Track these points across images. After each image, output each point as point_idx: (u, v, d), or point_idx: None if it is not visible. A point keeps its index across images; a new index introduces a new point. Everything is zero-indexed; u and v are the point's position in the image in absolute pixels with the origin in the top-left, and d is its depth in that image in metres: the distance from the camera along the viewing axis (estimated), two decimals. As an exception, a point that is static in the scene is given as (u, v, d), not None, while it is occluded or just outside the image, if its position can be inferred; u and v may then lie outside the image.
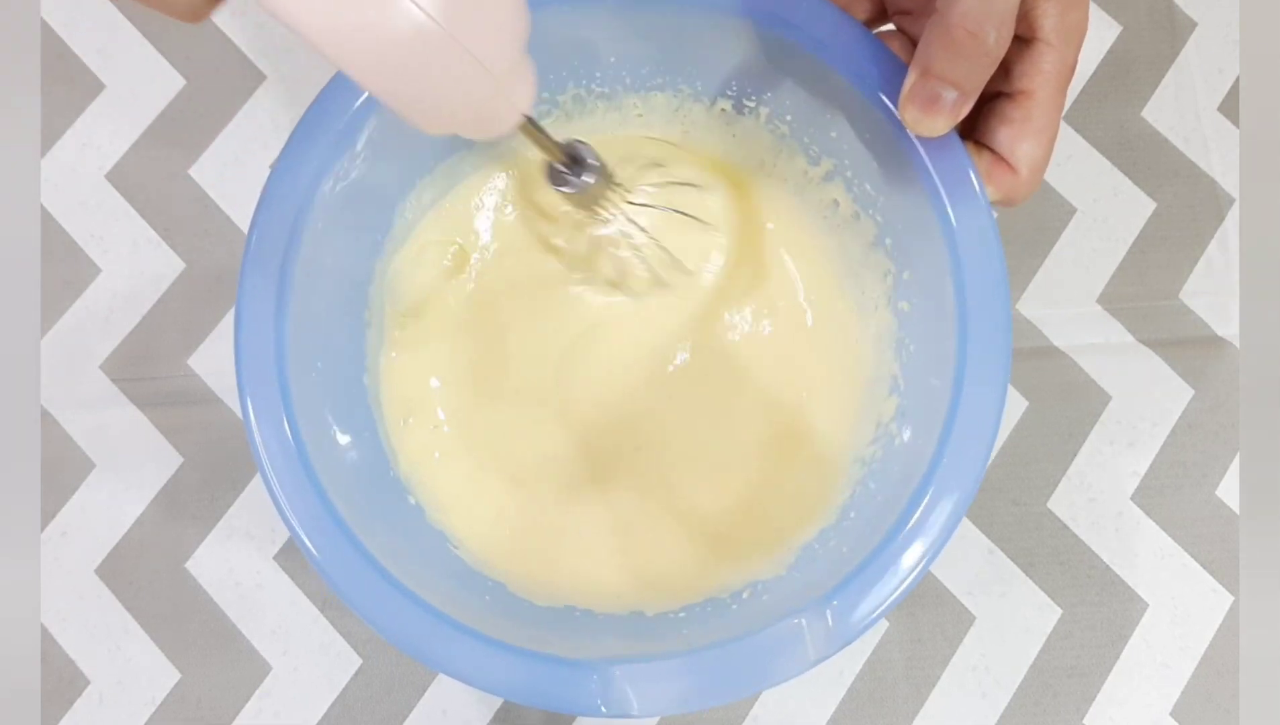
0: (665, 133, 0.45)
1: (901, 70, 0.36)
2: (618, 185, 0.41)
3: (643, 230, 0.43)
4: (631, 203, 0.42)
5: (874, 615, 0.34)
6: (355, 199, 0.39)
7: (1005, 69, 0.35)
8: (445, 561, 0.40)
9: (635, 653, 0.34)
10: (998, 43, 0.33)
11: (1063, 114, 0.36)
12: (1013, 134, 0.36)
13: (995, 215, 0.37)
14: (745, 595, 0.39)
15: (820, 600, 0.34)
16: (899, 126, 0.37)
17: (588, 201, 0.41)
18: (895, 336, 0.42)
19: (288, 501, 0.36)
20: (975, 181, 0.36)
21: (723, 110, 0.44)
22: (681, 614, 0.39)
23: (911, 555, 0.35)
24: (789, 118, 0.42)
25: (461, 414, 0.44)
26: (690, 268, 0.44)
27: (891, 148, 0.38)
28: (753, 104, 0.43)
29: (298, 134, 0.37)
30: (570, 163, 0.39)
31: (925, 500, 0.35)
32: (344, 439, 0.39)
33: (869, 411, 0.42)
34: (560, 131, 0.44)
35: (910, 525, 0.35)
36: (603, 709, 0.33)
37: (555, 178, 0.40)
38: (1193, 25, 0.55)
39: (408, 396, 0.44)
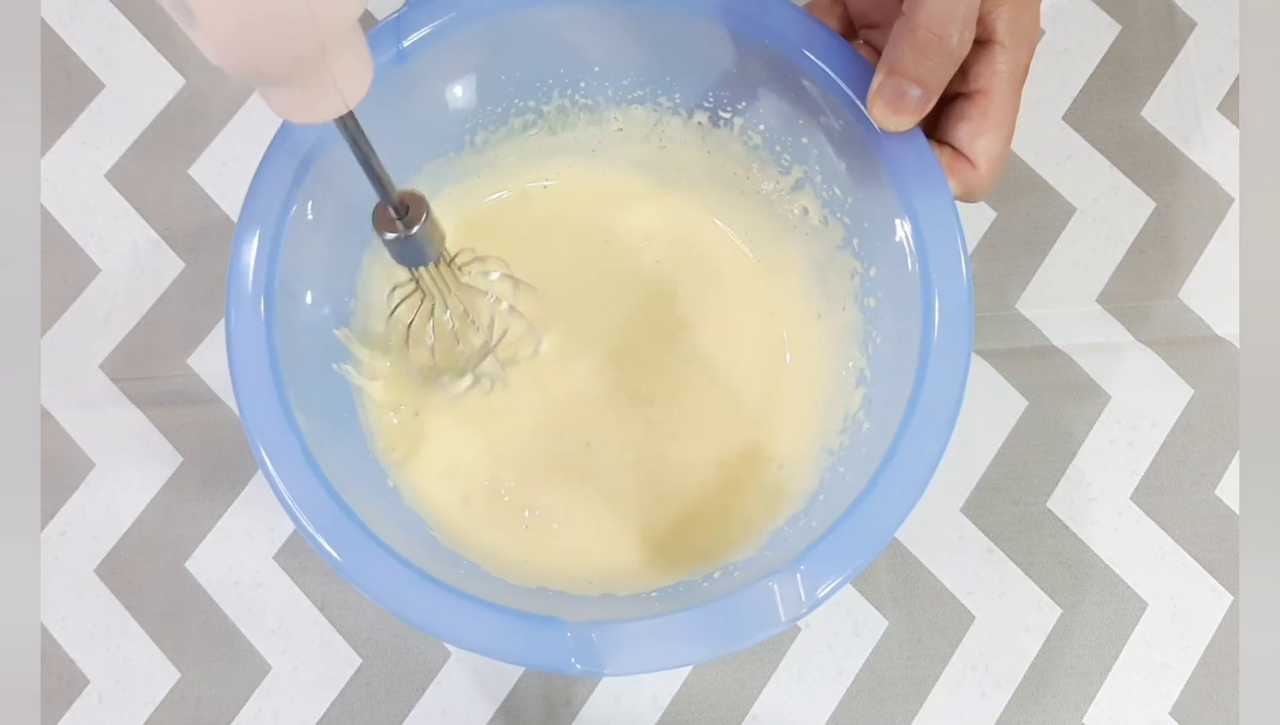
0: (643, 150, 0.47)
1: (869, 73, 0.38)
2: (451, 260, 0.40)
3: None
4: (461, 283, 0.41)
5: (842, 578, 0.35)
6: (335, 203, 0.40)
7: (963, 71, 0.37)
8: (424, 541, 0.40)
9: (610, 618, 0.35)
10: (960, 43, 0.35)
11: (1018, 114, 0.38)
12: (971, 129, 0.38)
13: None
14: (717, 575, 0.40)
15: (790, 565, 0.35)
16: (868, 125, 0.38)
17: (416, 271, 0.39)
18: (862, 332, 0.43)
19: (265, 444, 0.36)
20: (936, 170, 0.38)
21: (699, 123, 0.45)
22: (654, 594, 0.40)
23: (877, 521, 0.36)
24: (762, 127, 0.44)
25: (432, 404, 0.45)
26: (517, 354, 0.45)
27: (860, 146, 0.40)
28: (728, 115, 0.44)
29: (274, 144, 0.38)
30: (398, 207, 0.36)
31: (890, 471, 0.36)
32: (325, 416, 0.40)
33: (836, 405, 0.44)
34: (544, 146, 0.46)
35: (876, 493, 0.36)
36: (576, 665, 0.34)
37: (380, 221, 0.36)
38: (1192, 25, 0.55)
39: (387, 388, 0.44)
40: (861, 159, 0.40)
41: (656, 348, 0.46)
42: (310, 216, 0.39)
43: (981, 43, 0.37)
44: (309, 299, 0.40)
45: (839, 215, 0.43)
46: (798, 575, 0.35)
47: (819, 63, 0.39)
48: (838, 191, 0.43)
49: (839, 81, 0.39)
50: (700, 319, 0.47)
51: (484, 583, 0.38)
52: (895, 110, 0.37)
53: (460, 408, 0.45)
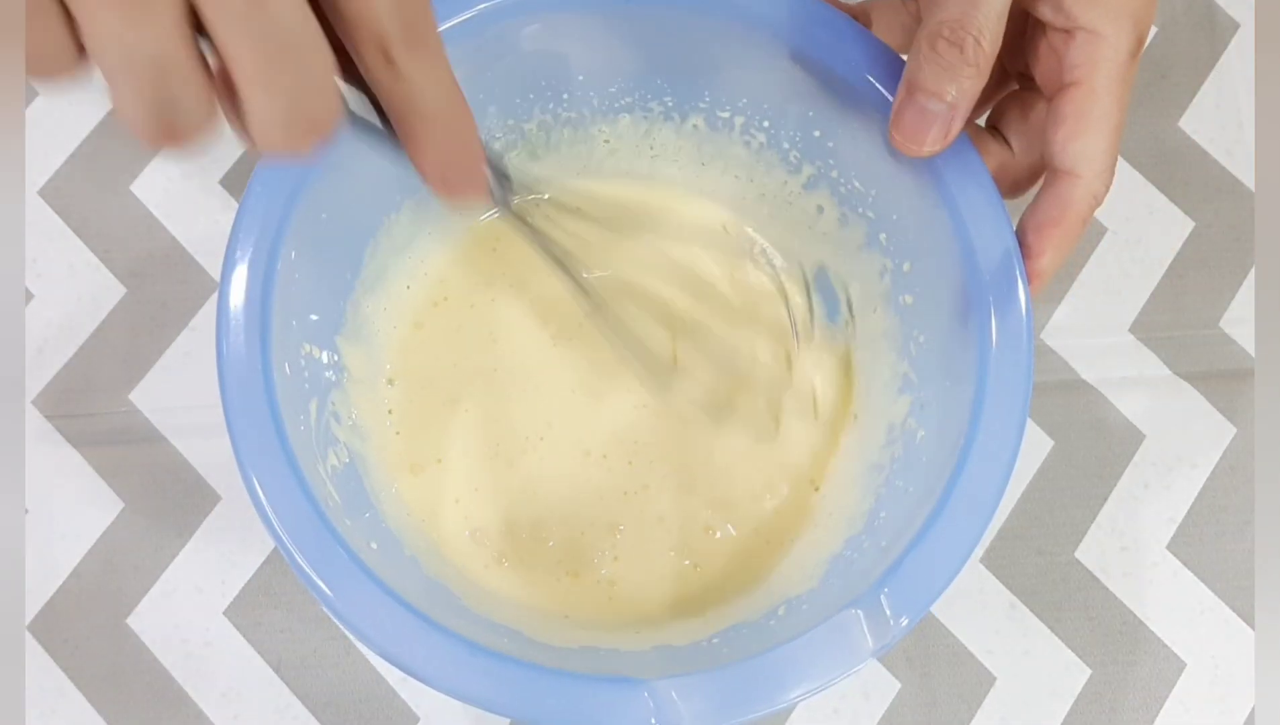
0: (633, 164, 0.50)
1: (885, 51, 0.41)
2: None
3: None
4: None
5: (931, 597, 0.38)
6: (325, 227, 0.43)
7: (1059, 64, 0.39)
8: (456, 611, 0.42)
9: (678, 671, 0.37)
10: (976, 51, 0.37)
11: (1125, 106, 0.39)
12: (1067, 133, 0.39)
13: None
14: (781, 612, 0.42)
15: (872, 589, 0.38)
16: (889, 107, 0.41)
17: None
18: (899, 334, 0.46)
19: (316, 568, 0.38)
20: (969, 147, 0.41)
21: (694, 126, 0.48)
22: (715, 640, 0.42)
23: (960, 531, 0.38)
24: (766, 124, 0.47)
25: (458, 451, 0.48)
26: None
27: (882, 133, 0.42)
28: (727, 114, 0.47)
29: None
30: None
31: (966, 475, 0.39)
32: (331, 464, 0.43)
33: (875, 418, 0.47)
34: (526, 169, 0.50)
35: (954, 501, 0.39)
36: None
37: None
38: (1235, 26, 0.58)
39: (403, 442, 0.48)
40: (885, 146, 0.42)
41: (693, 356, 0.50)
42: (299, 253, 0.41)
43: (1066, 31, 0.38)
44: (304, 350, 0.43)
45: (860, 211, 0.46)
46: (881, 599, 0.38)
47: (830, 46, 0.42)
48: (858, 185, 0.46)
49: (854, 64, 0.42)
50: (726, 321, 0.50)
51: (528, 650, 0.40)
52: (919, 132, 0.39)
53: (490, 447, 0.48)
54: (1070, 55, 0.39)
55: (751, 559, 0.48)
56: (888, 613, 0.38)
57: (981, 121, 0.44)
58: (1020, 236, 0.41)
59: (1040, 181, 0.43)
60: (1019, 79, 0.43)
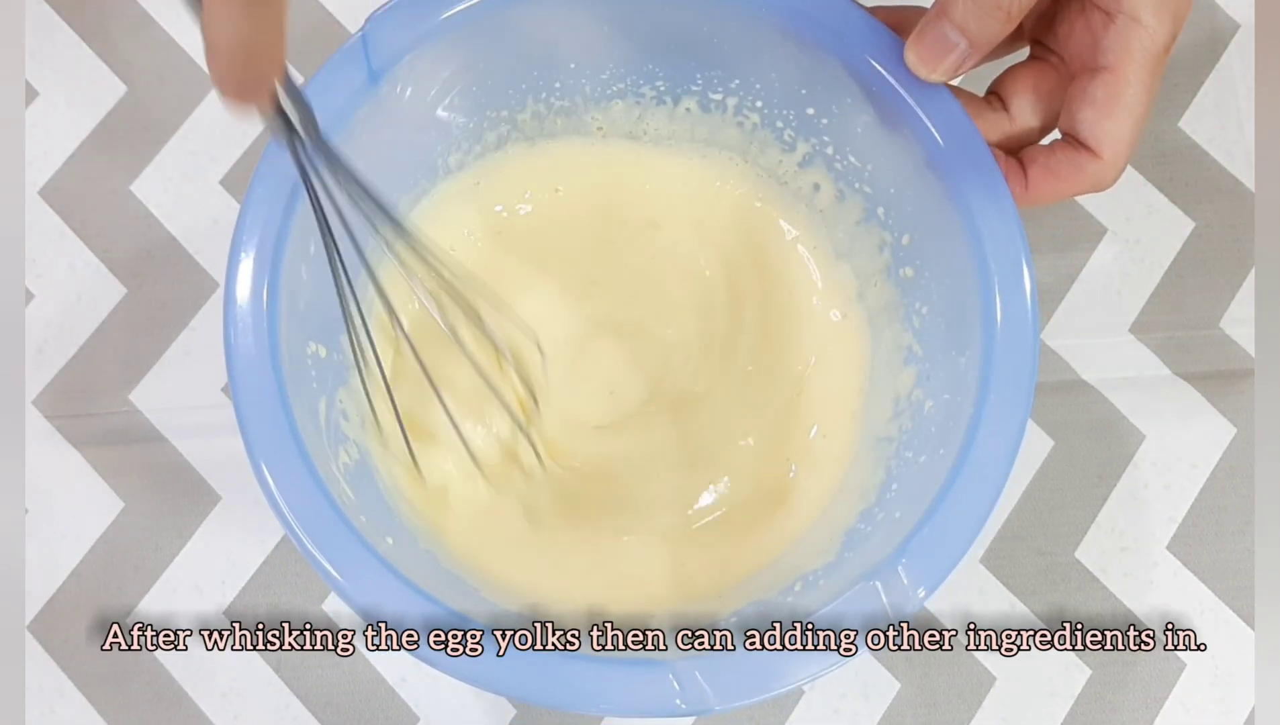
0: (630, 147, 0.51)
1: (879, 28, 0.42)
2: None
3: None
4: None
5: (951, 562, 0.38)
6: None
7: (1094, 44, 0.40)
8: (474, 602, 0.43)
9: (700, 651, 0.38)
10: (1011, 3, 0.38)
11: (1154, 97, 0.41)
12: (1097, 114, 0.40)
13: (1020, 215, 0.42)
14: (797, 588, 0.43)
15: (890, 559, 0.38)
16: (883, 83, 0.42)
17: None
18: (900, 306, 0.47)
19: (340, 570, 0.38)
20: (965, 119, 0.42)
21: (687, 110, 0.49)
22: (732, 619, 0.43)
23: (974, 500, 0.39)
24: (759, 104, 0.48)
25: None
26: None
27: (877, 107, 0.43)
28: (719, 96, 0.48)
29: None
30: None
31: (978, 445, 0.39)
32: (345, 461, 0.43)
33: (880, 392, 0.47)
34: (522, 158, 0.50)
35: (967, 470, 0.39)
36: (681, 706, 0.37)
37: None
38: (1235, 26, 0.58)
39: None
40: (880, 120, 0.43)
41: (697, 342, 0.50)
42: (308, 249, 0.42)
43: (1108, 14, 0.40)
44: (310, 348, 0.43)
45: (857, 186, 0.47)
46: (900, 569, 0.38)
47: (820, 22, 0.42)
48: (854, 160, 0.47)
49: (845, 40, 0.42)
50: (728, 304, 0.50)
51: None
52: (934, 57, 0.40)
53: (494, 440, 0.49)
54: (1107, 39, 0.40)
55: (766, 534, 0.48)
56: (906, 583, 0.38)
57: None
58: (1020, 162, 0.42)
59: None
60: (1034, 46, 0.44)
